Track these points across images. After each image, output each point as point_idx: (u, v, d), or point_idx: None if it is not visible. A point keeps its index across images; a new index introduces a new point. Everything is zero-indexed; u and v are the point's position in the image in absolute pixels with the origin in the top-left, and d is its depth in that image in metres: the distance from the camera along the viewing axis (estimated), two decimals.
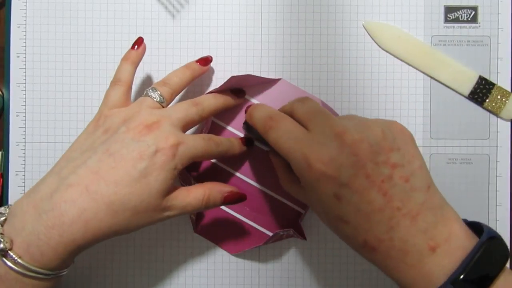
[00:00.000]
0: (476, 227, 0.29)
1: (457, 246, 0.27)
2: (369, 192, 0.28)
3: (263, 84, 0.40)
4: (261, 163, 0.40)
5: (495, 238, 0.28)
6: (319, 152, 0.28)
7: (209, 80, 0.41)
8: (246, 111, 0.36)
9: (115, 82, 0.35)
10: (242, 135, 0.40)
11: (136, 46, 0.37)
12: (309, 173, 0.29)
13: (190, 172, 0.40)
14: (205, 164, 0.40)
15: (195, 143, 0.33)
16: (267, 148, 0.36)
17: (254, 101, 0.40)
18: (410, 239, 0.27)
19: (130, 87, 0.36)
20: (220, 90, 0.38)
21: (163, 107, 0.35)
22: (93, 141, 0.32)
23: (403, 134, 0.30)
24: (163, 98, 0.35)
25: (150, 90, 0.35)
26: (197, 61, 0.38)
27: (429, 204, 0.28)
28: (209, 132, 0.40)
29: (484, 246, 0.27)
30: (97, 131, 0.33)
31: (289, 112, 0.33)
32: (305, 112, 0.32)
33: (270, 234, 0.40)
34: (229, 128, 0.40)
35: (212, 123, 0.40)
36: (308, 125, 0.31)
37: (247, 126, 0.37)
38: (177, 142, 0.31)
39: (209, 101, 0.36)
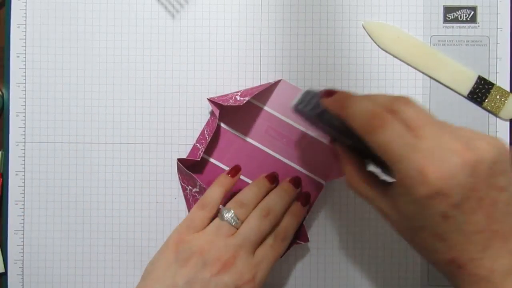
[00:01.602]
0: None
1: None
2: (476, 215, 0.27)
3: (268, 90, 0.40)
4: (264, 167, 0.40)
5: None
6: (438, 165, 0.26)
7: (209, 81, 0.41)
8: (327, 95, 0.32)
9: (203, 206, 0.36)
10: (251, 141, 0.40)
11: (233, 175, 0.38)
12: (421, 187, 0.27)
13: (194, 172, 0.40)
14: (208, 167, 0.40)
15: (269, 259, 0.35)
16: (334, 136, 0.33)
17: (266, 108, 0.40)
18: (499, 259, 0.27)
19: (216, 212, 0.36)
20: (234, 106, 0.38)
21: (237, 228, 0.35)
22: (174, 274, 0.34)
23: (508, 157, 0.28)
24: (238, 221, 0.35)
25: (225, 212, 0.35)
26: (266, 177, 0.38)
27: None
28: (213, 135, 0.40)
29: None
30: (176, 262, 0.34)
31: (389, 110, 0.29)
32: (417, 116, 0.28)
33: None
34: (237, 133, 0.40)
35: (221, 128, 0.40)
36: (421, 132, 0.28)
37: (313, 108, 0.33)
38: (252, 276, 0.34)
39: (275, 204, 0.36)
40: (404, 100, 0.29)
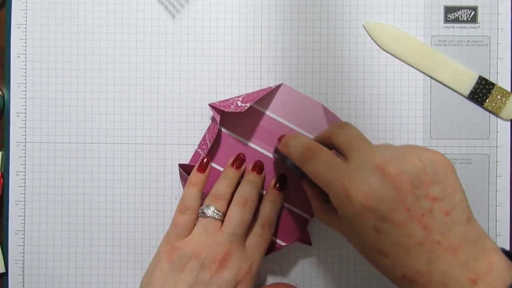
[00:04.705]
0: None
1: (498, 278, 0.27)
2: (409, 226, 0.28)
3: (269, 94, 0.40)
4: (266, 171, 0.40)
5: None
6: (359, 184, 0.28)
7: (210, 81, 0.41)
8: (279, 140, 0.37)
9: (185, 210, 0.36)
10: (252, 145, 0.40)
11: (202, 170, 0.37)
12: (349, 206, 0.29)
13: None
14: (210, 172, 0.40)
15: (260, 249, 0.37)
16: (301, 176, 0.36)
17: (268, 113, 0.40)
18: (451, 272, 0.27)
19: (198, 213, 0.37)
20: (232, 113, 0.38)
21: (222, 220, 0.36)
22: (174, 282, 0.34)
23: (445, 167, 0.29)
24: (219, 213, 0.36)
25: (206, 209, 0.36)
26: (232, 164, 0.39)
27: (469, 237, 0.28)
28: (214, 140, 0.39)
29: None
30: (173, 269, 0.35)
31: (327, 137, 0.33)
32: (345, 140, 0.32)
33: (276, 241, 0.40)
34: (239, 138, 0.40)
35: (222, 133, 0.40)
36: (347, 154, 0.31)
37: (280, 155, 0.37)
38: (249, 268, 0.36)
39: (250, 192, 0.37)
40: (341, 126, 0.33)
